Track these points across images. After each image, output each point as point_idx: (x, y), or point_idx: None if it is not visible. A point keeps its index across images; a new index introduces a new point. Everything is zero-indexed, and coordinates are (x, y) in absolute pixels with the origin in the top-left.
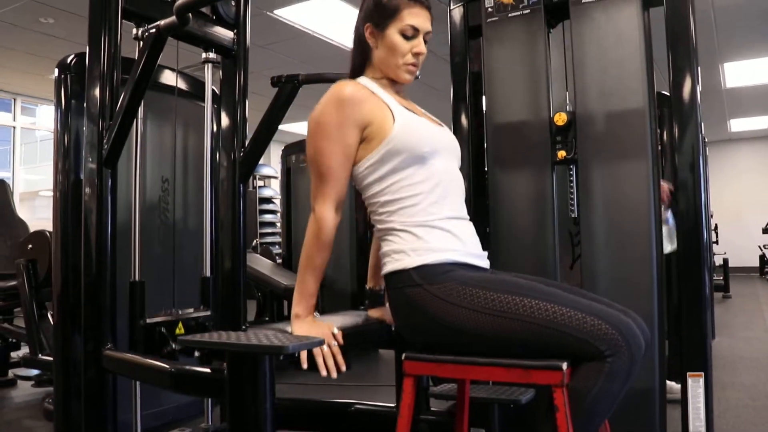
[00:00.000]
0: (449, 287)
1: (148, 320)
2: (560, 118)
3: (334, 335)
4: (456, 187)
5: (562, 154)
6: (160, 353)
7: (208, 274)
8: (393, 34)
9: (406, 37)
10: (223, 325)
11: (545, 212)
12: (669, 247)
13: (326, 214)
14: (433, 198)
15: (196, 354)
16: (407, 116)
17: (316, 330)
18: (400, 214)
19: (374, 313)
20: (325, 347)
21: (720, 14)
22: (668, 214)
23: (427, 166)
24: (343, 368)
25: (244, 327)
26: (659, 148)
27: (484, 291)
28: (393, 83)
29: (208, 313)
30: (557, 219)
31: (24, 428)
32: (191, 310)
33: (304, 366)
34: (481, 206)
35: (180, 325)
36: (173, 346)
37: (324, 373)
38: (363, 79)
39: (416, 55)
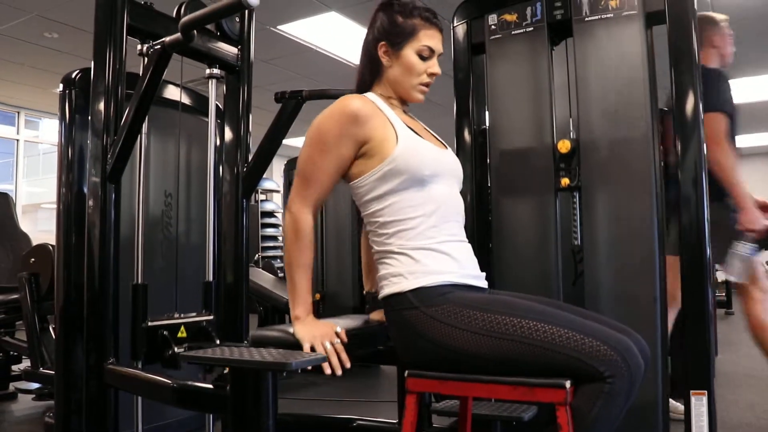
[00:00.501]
0: (447, 309)
1: (150, 323)
2: (564, 146)
3: (337, 333)
4: (456, 211)
5: (565, 181)
6: (162, 357)
7: (211, 278)
8: (410, 54)
9: (423, 58)
10: (225, 330)
11: (548, 236)
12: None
13: (303, 215)
14: (432, 222)
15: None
16: (411, 137)
17: (318, 329)
18: (398, 236)
19: (375, 315)
20: (328, 345)
21: None
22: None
23: (427, 189)
24: (348, 365)
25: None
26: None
27: (482, 312)
28: (401, 102)
29: (211, 316)
30: (560, 236)
31: None
32: (194, 314)
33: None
34: (483, 222)
35: (182, 328)
36: (175, 349)
37: (329, 371)
38: (371, 95)
39: (431, 75)
